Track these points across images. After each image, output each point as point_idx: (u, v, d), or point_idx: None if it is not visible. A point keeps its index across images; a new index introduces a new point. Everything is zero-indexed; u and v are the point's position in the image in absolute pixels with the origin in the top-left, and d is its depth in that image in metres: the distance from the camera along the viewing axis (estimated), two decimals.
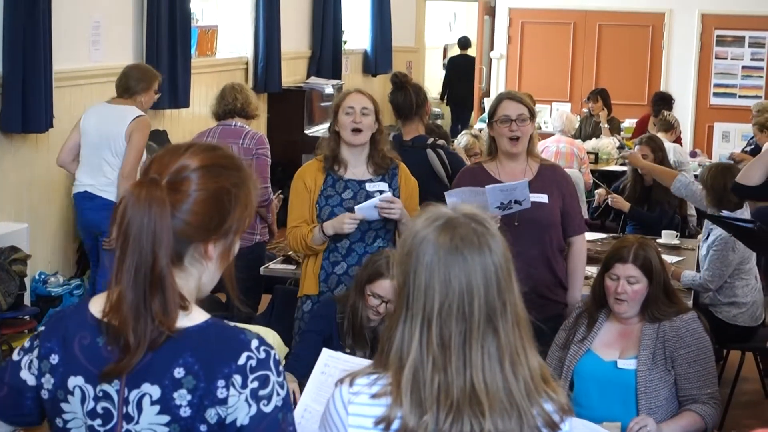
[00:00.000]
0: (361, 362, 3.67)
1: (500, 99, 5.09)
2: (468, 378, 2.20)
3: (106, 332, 2.13)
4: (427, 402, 2.19)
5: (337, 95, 5.19)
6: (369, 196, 4.98)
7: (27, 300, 7.02)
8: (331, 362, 3.63)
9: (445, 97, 16.22)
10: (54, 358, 2.18)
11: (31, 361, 2.22)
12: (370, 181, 5.05)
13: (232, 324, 2.18)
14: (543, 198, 4.97)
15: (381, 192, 5.00)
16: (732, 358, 6.86)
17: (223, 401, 2.08)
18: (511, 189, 4.77)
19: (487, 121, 5.31)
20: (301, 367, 4.15)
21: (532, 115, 5.02)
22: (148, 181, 2.13)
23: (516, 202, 4.77)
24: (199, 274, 2.19)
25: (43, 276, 7.43)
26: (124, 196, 2.13)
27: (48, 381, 2.18)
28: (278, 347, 4.65)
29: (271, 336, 4.65)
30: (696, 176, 10.53)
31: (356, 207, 4.86)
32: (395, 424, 2.21)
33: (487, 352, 2.21)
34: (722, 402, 4.42)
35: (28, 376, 2.23)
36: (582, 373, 4.30)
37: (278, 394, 2.12)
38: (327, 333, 4.54)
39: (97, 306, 2.18)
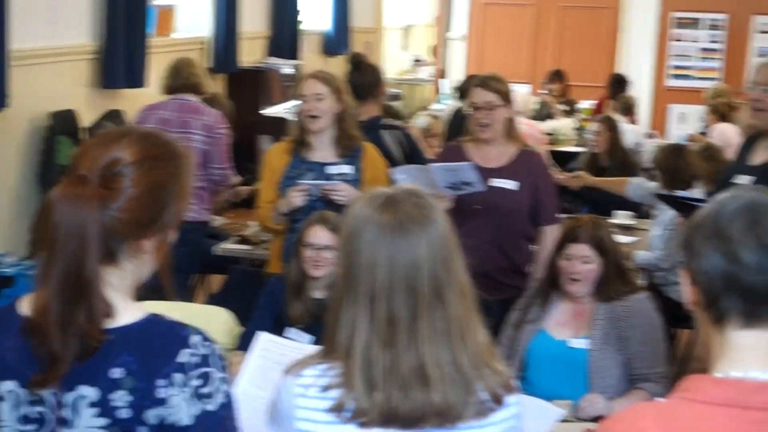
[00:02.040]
0: (298, 346, 3.69)
1: (471, 85, 5.11)
2: (416, 352, 2.21)
3: (34, 338, 2.00)
4: (377, 380, 2.20)
5: (297, 80, 5.20)
6: (329, 178, 5.01)
7: None
8: (268, 346, 3.63)
9: None
10: None
11: None
12: (333, 163, 5.07)
13: (171, 319, 2.08)
14: (510, 184, 4.98)
15: (343, 174, 5.03)
16: (683, 337, 6.92)
17: (164, 402, 1.97)
18: (457, 169, 4.79)
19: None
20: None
21: (506, 100, 5.00)
22: (77, 180, 2.02)
23: (465, 183, 4.78)
24: (135, 269, 2.09)
25: None
26: (50, 196, 2.00)
27: None
28: (231, 327, 4.66)
29: (224, 315, 4.66)
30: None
31: (301, 182, 4.91)
32: (348, 407, 2.21)
33: (435, 325, 2.23)
34: (672, 381, 4.45)
35: None
36: (534, 353, 4.32)
37: (222, 391, 2.02)
38: (276, 309, 4.57)
39: (26, 306, 2.06)
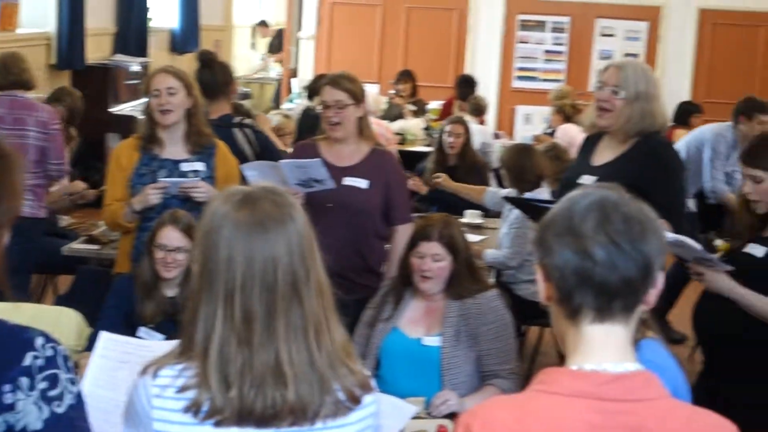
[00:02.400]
0: (141, 343, 3.64)
1: (322, 84, 5.10)
2: (272, 350, 2.20)
3: None
4: (232, 378, 2.19)
5: (147, 76, 5.12)
6: (182, 175, 4.97)
7: None
8: (110, 345, 3.58)
9: None
10: None
11: None
12: (186, 160, 5.03)
13: (12, 323, 2.01)
14: (361, 183, 4.99)
15: (196, 171, 4.99)
16: (531, 334, 7.07)
17: (11, 407, 1.91)
18: (306, 166, 4.79)
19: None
20: None
21: (357, 98, 5.00)
22: None
23: (316, 180, 4.79)
24: None
25: None
26: None
27: None
28: (81, 328, 4.58)
29: (73, 316, 4.59)
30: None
31: (161, 178, 4.86)
32: (204, 406, 2.19)
33: (291, 322, 2.22)
34: (522, 376, 4.55)
35: None
36: (388, 351, 4.35)
37: (70, 392, 1.97)
38: (127, 308, 4.52)
39: None
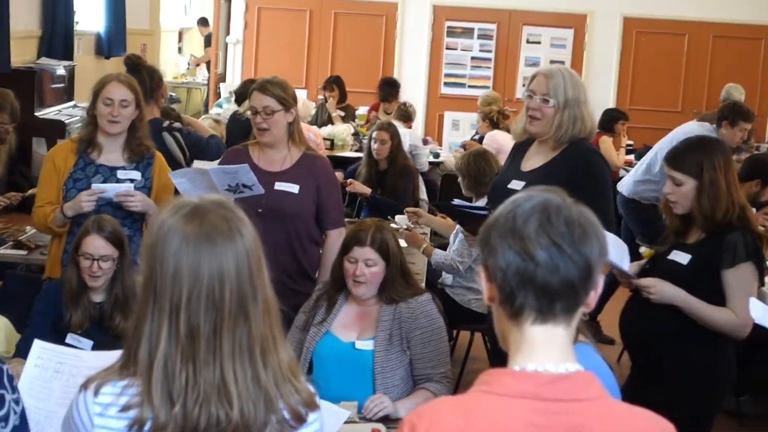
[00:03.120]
0: (73, 353, 3.59)
1: (251, 90, 5.09)
2: (217, 368, 2.18)
3: None
4: (176, 394, 2.16)
5: (99, 80, 5.04)
6: (119, 183, 4.93)
7: None
8: (43, 354, 3.53)
9: None
10: None
11: None
12: (123, 168, 5.00)
13: None
14: (293, 188, 4.99)
15: (132, 180, 4.96)
16: (462, 337, 7.11)
17: None
18: (234, 171, 4.78)
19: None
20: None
21: (286, 104, 4.99)
22: None
23: (245, 186, 4.78)
24: None
25: None
26: None
27: None
28: (10, 334, 4.53)
29: (2, 322, 4.53)
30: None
31: (95, 185, 4.81)
32: (147, 425, 2.16)
33: (237, 340, 2.19)
34: (453, 380, 4.58)
35: None
36: (321, 355, 4.35)
37: (15, 413, 1.96)
38: (55, 314, 4.47)
39: None
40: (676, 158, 4.32)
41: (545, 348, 2.00)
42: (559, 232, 1.96)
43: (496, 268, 2.00)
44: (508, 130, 10.96)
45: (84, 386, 2.23)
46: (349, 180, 8.32)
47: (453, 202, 6.20)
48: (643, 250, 6.77)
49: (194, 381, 2.16)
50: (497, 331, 2.10)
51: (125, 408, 2.17)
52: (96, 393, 2.20)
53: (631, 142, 12.19)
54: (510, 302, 2.00)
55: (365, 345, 4.33)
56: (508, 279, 1.98)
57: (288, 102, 4.99)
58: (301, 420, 2.28)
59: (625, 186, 8.26)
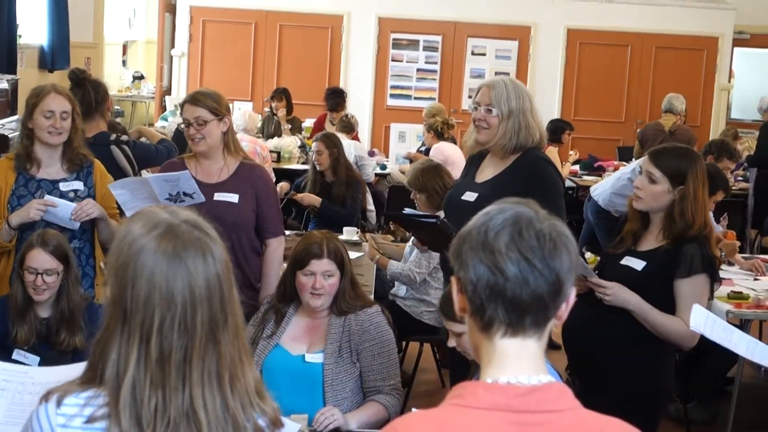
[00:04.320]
0: (19, 369, 3.53)
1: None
2: (186, 395, 2.14)
3: None
4: (144, 420, 2.12)
5: (32, 92, 4.99)
6: (63, 196, 4.90)
7: None
8: None
9: None
10: None
11: None
12: (64, 180, 4.98)
13: None
14: (232, 197, 4.98)
15: (75, 191, 4.95)
16: (411, 349, 7.11)
17: None
18: (176, 179, 4.76)
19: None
20: None
21: (218, 114, 4.98)
22: None
23: (186, 194, 4.77)
24: None
25: None
26: None
27: None
28: None
29: None
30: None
31: (48, 196, 4.78)
32: None
33: (207, 367, 2.16)
34: (403, 392, 4.58)
35: None
36: (271, 368, 4.34)
37: None
38: (1, 330, 4.46)
39: None
40: (661, 156, 4.35)
41: (517, 360, 2.00)
42: (529, 246, 1.97)
43: (467, 281, 2.00)
44: (454, 141, 11.03)
45: (44, 398, 2.19)
46: (299, 195, 8.31)
47: (404, 211, 6.21)
48: (589, 255, 6.82)
49: (164, 408, 2.13)
50: (470, 342, 2.11)
51: (91, 419, 2.13)
52: (59, 404, 2.16)
53: (572, 152, 12.29)
54: (480, 315, 2.01)
55: (315, 358, 4.32)
56: (478, 292, 1.99)
57: (220, 111, 4.98)
58: None
59: (601, 196, 8.20)
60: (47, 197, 4.84)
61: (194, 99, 4.98)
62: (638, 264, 4.29)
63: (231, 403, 2.19)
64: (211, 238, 2.23)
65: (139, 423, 2.12)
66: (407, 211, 5.99)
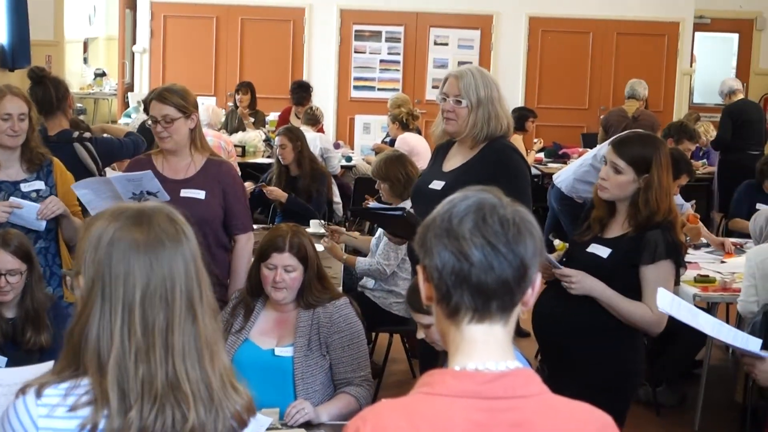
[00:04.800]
0: None
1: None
2: (170, 367, 2.17)
3: None
4: (131, 396, 2.14)
5: None
6: (25, 196, 4.87)
7: None
8: None
9: None
10: None
11: None
12: (25, 181, 4.97)
13: None
14: (199, 194, 4.96)
15: (37, 191, 4.94)
16: (381, 340, 7.12)
17: None
18: (139, 179, 4.75)
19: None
20: None
21: (186, 111, 4.95)
22: None
23: (149, 193, 4.75)
24: None
25: None
26: None
27: None
28: None
29: None
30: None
31: (13, 198, 4.75)
32: (101, 424, 2.13)
33: (188, 339, 2.20)
34: (373, 383, 4.59)
35: None
36: (241, 363, 4.31)
37: None
38: None
39: None
40: (623, 146, 4.35)
41: (484, 346, 2.01)
42: (493, 232, 1.98)
43: (432, 268, 2.01)
44: (419, 132, 11.04)
45: (21, 392, 2.19)
46: (268, 188, 8.29)
47: (368, 206, 6.21)
48: (557, 243, 6.84)
49: (150, 379, 2.16)
50: (437, 330, 2.11)
51: (74, 408, 2.14)
52: (38, 395, 2.17)
53: (536, 140, 12.33)
54: (446, 302, 2.02)
55: (285, 351, 4.32)
56: (444, 279, 2.00)
57: (188, 109, 4.95)
58: (243, 424, 2.31)
59: (564, 182, 8.20)
60: (12, 199, 4.81)
61: (161, 96, 4.94)
62: (604, 251, 4.31)
63: (212, 379, 2.22)
64: (181, 220, 2.30)
65: (125, 400, 2.14)
66: (372, 205, 5.99)
